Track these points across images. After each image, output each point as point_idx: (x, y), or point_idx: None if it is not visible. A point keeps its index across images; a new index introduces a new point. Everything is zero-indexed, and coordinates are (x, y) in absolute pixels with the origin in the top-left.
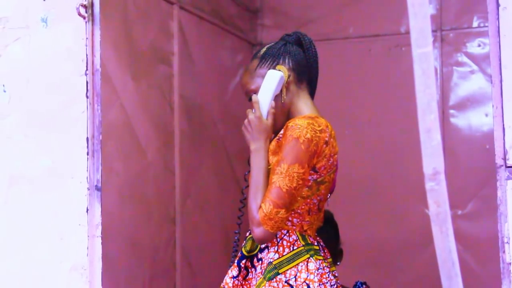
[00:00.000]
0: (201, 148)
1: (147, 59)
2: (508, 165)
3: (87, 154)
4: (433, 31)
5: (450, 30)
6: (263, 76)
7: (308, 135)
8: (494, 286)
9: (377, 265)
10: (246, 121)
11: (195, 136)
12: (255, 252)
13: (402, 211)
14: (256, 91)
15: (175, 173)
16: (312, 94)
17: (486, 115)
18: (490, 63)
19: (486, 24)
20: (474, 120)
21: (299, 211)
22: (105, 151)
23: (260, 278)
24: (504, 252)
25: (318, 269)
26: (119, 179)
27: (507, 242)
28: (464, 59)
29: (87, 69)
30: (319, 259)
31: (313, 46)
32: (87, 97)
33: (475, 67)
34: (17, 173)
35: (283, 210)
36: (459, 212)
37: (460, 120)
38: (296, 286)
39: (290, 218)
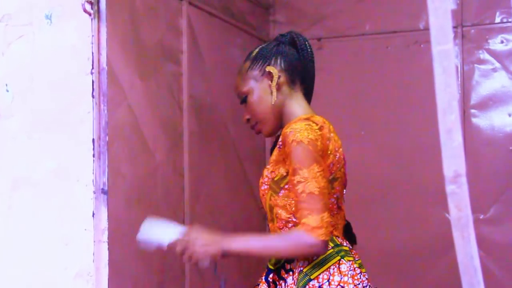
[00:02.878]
0: (211, 149)
1: (155, 57)
2: None
3: (93, 156)
4: (454, 27)
5: (472, 26)
6: (254, 78)
7: (311, 136)
8: None
9: (395, 272)
10: (188, 249)
11: (205, 136)
12: (280, 263)
13: (421, 215)
14: (247, 94)
15: (184, 175)
16: (308, 94)
17: (509, 115)
18: None
19: (509, 20)
20: (497, 120)
21: None
22: (112, 153)
23: None
24: None
25: (349, 270)
26: (126, 181)
27: None
28: (486, 56)
29: (93, 68)
30: (350, 260)
31: (309, 46)
32: (93, 96)
33: (497, 64)
34: (21, 176)
35: (326, 213)
36: (481, 216)
37: (482, 120)
38: None
39: None
